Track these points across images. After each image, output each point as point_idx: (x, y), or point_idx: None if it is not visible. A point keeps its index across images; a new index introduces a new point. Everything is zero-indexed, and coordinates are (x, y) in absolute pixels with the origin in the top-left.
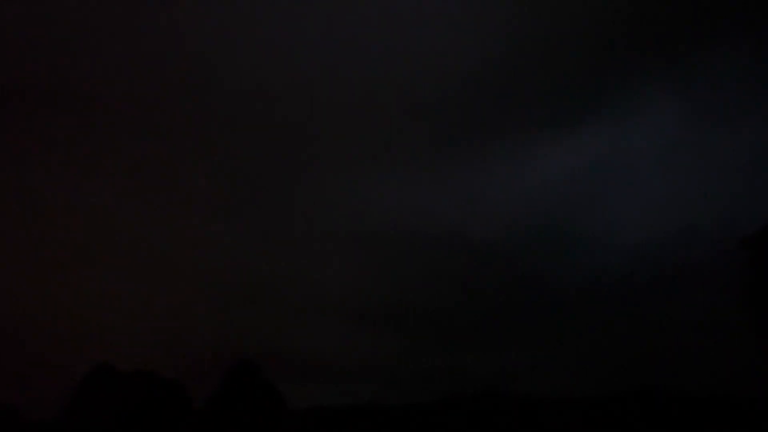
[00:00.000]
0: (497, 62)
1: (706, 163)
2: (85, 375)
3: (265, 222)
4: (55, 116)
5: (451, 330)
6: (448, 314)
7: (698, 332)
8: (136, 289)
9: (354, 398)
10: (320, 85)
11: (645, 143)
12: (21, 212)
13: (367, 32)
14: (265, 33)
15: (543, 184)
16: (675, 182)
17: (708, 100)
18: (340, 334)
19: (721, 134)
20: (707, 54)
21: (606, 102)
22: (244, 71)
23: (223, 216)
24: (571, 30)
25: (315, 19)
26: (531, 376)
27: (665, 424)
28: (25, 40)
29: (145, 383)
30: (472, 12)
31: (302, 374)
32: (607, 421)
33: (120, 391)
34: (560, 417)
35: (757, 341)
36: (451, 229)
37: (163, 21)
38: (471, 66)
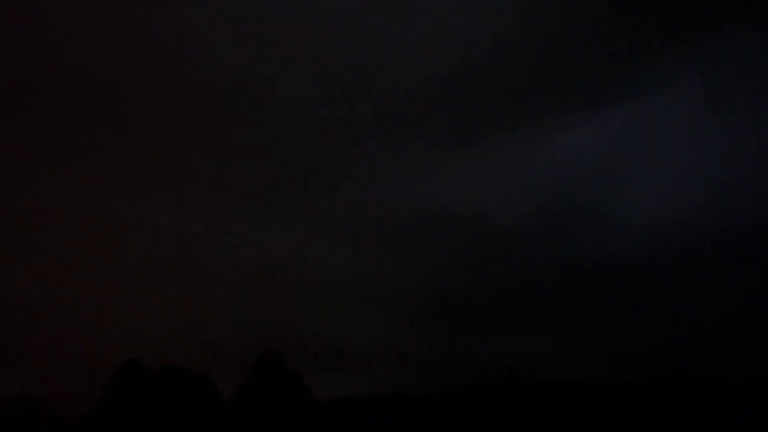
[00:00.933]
0: (512, 46)
1: (726, 143)
2: (115, 371)
3: (289, 213)
4: (73, 115)
5: (475, 316)
6: (472, 300)
7: (725, 312)
8: (163, 285)
9: (380, 387)
10: (339, 74)
11: (664, 124)
12: (51, 212)
13: (387, 23)
14: (279, 28)
15: (564, 167)
16: (694, 162)
17: (728, 79)
18: (366, 323)
19: (741, 113)
20: (726, 33)
21: (624, 84)
22: (262, 66)
23: (247, 209)
24: (587, 10)
25: (339, 11)
26: (556, 360)
27: (696, 405)
28: (31, 38)
29: (174, 378)
30: None
31: (328, 364)
32: (636, 404)
33: (149, 387)
34: (586, 401)
35: None
36: (472, 214)
37: (182, 19)
38: (486, 51)
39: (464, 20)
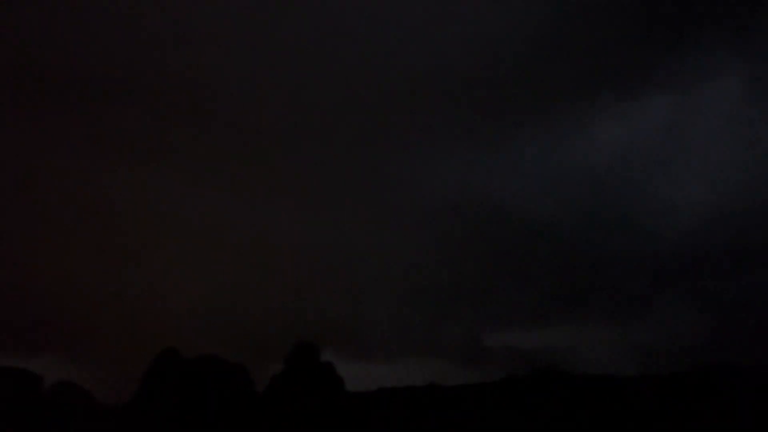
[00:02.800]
0: (547, 34)
1: None
2: (152, 361)
3: (326, 205)
4: (120, 107)
5: (508, 309)
6: (505, 293)
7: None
8: (201, 274)
9: (412, 379)
10: (373, 67)
11: (706, 114)
12: (91, 202)
13: (410, 18)
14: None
15: (599, 159)
16: (736, 154)
17: None
18: (400, 315)
19: None
20: None
21: (664, 73)
22: (303, 59)
23: (287, 200)
24: None
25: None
26: (588, 354)
27: (735, 402)
28: (86, 32)
29: (209, 367)
30: None
31: (362, 356)
32: (673, 399)
33: (186, 376)
34: (620, 396)
35: None
36: (508, 206)
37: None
38: (520, 40)
39: (493, 8)
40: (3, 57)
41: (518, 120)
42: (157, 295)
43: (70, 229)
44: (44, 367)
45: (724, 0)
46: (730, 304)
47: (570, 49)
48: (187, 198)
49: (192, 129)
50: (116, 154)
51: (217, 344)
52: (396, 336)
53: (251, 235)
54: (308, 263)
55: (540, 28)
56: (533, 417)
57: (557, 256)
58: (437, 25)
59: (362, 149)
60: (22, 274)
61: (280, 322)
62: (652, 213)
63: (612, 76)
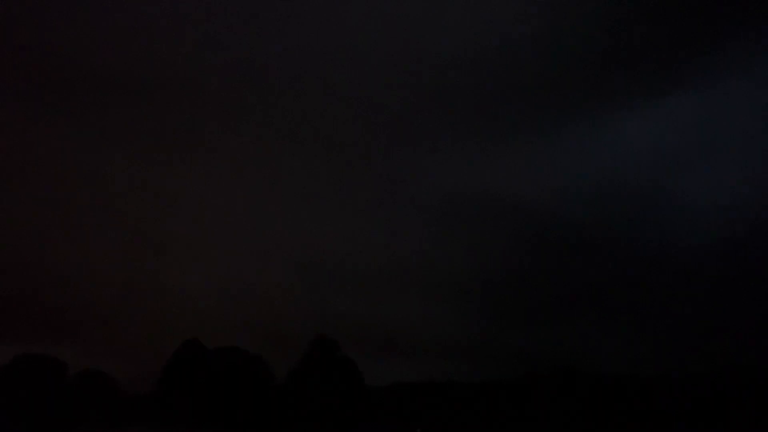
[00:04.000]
0: (569, 28)
1: None
2: (175, 351)
3: (347, 200)
4: (150, 104)
5: (530, 306)
6: (527, 290)
7: None
8: (224, 266)
9: (432, 375)
10: (394, 60)
11: (737, 112)
12: (114, 194)
13: (433, 8)
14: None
15: (624, 155)
16: (764, 151)
17: None
18: (420, 310)
19: None
20: None
21: (692, 70)
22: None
23: (307, 194)
24: None
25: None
26: (610, 354)
27: (760, 403)
28: (117, 32)
29: (230, 359)
30: None
31: (381, 351)
32: (694, 401)
33: (207, 366)
34: (642, 396)
35: None
36: (530, 203)
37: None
38: (543, 34)
39: (509, 3)
40: (36, 56)
41: (542, 117)
42: (182, 286)
43: (100, 219)
44: (70, 355)
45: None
46: (756, 307)
47: (594, 44)
48: (213, 192)
49: (218, 126)
50: (149, 149)
51: (238, 336)
52: (415, 332)
53: (274, 228)
54: (328, 257)
55: (561, 21)
56: (552, 415)
57: (578, 254)
58: (451, 15)
59: (388, 148)
60: (51, 262)
61: (301, 316)
62: (676, 211)
63: (637, 73)
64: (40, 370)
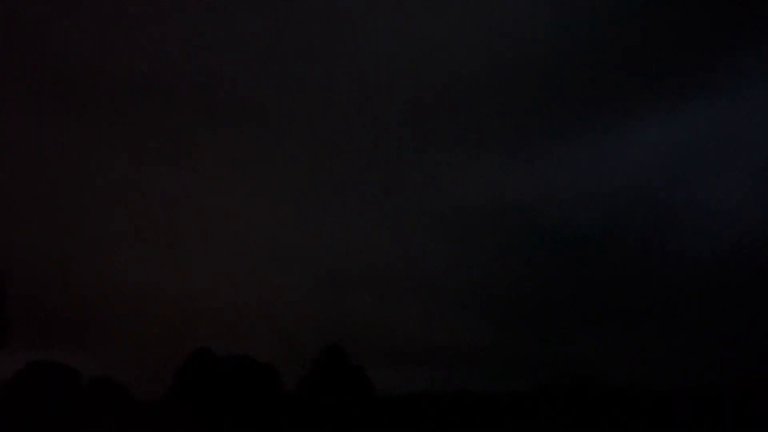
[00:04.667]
0: (584, 36)
1: None
2: (185, 359)
3: (361, 208)
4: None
5: (545, 317)
6: (542, 301)
7: None
8: (230, 275)
9: (444, 385)
10: (396, 67)
11: (748, 117)
12: (127, 199)
13: (435, 19)
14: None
15: (636, 166)
16: None
17: None
18: (433, 319)
19: None
20: None
21: (715, 76)
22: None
23: (323, 202)
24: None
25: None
26: (625, 366)
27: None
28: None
29: (240, 367)
30: None
31: (393, 359)
32: (708, 413)
33: (218, 375)
34: (658, 410)
35: None
36: (547, 214)
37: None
38: (556, 38)
39: (522, 6)
40: (37, 57)
41: (552, 125)
42: (193, 293)
43: (113, 225)
44: (82, 362)
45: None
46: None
47: (605, 50)
48: (222, 198)
49: (226, 129)
50: (154, 153)
51: (249, 344)
52: (427, 341)
53: (288, 237)
54: (343, 267)
55: (571, 28)
56: (565, 427)
57: (591, 264)
58: (457, 22)
59: (401, 154)
60: (62, 268)
61: (312, 325)
62: (692, 222)
63: (650, 79)
64: (53, 377)
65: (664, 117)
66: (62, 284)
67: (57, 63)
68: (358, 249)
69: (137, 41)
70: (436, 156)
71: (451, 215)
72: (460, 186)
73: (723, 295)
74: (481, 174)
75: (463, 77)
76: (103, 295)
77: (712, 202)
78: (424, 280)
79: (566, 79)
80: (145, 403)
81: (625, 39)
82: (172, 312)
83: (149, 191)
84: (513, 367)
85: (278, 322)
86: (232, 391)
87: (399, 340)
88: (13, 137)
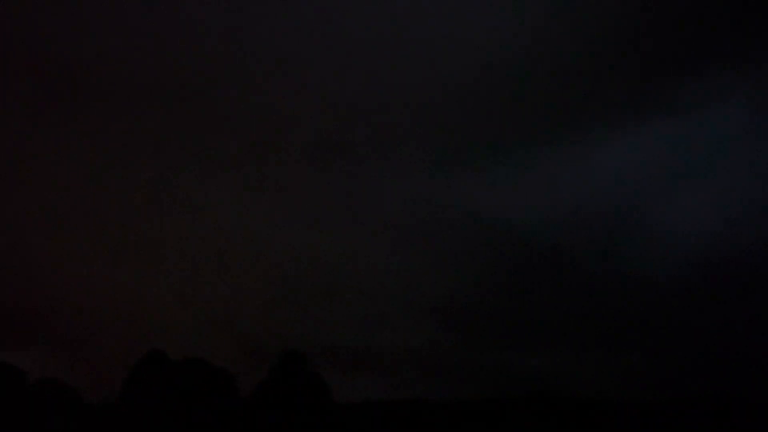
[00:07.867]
0: (551, 52)
1: None
2: (138, 361)
3: (313, 211)
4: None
5: (505, 327)
6: (503, 311)
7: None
8: (193, 276)
9: (402, 392)
10: (375, 75)
11: (709, 138)
12: (77, 200)
13: (416, 27)
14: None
15: (604, 181)
16: (737, 180)
17: None
18: (392, 326)
19: None
20: None
21: (667, 95)
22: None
23: (281, 207)
24: (632, 20)
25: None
26: (584, 378)
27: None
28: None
29: (195, 371)
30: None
31: (350, 366)
32: (670, 427)
33: (171, 378)
34: (617, 422)
35: None
36: (507, 225)
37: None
38: (526, 55)
39: (496, 23)
40: (38, 59)
41: (523, 141)
42: (148, 295)
43: (62, 226)
44: (29, 363)
45: (732, 29)
46: (728, 333)
47: (575, 68)
48: (185, 201)
49: (200, 135)
50: (121, 155)
51: (205, 348)
52: (387, 349)
53: (250, 242)
54: (305, 273)
55: (540, 46)
56: None
57: (557, 278)
58: (454, 35)
59: (363, 164)
60: (11, 271)
61: (271, 330)
62: (658, 237)
63: (619, 97)
64: None
65: (629, 136)
66: (11, 285)
67: (49, 61)
68: (318, 256)
69: (129, 40)
70: (401, 168)
71: (415, 226)
72: (426, 198)
73: (688, 309)
74: (448, 187)
75: (434, 95)
76: (51, 295)
77: (674, 218)
78: (385, 288)
79: (532, 99)
80: (94, 405)
81: (590, 61)
82: (126, 314)
83: (103, 191)
84: (473, 377)
85: (236, 327)
86: (186, 394)
87: (359, 348)
88: None
